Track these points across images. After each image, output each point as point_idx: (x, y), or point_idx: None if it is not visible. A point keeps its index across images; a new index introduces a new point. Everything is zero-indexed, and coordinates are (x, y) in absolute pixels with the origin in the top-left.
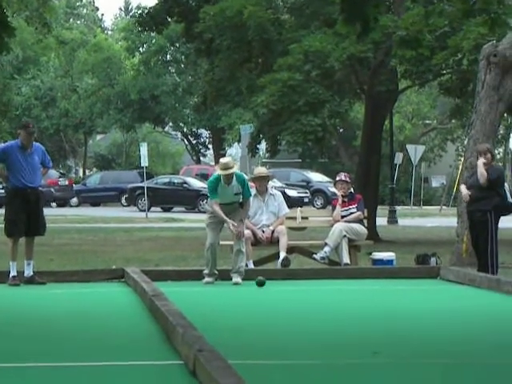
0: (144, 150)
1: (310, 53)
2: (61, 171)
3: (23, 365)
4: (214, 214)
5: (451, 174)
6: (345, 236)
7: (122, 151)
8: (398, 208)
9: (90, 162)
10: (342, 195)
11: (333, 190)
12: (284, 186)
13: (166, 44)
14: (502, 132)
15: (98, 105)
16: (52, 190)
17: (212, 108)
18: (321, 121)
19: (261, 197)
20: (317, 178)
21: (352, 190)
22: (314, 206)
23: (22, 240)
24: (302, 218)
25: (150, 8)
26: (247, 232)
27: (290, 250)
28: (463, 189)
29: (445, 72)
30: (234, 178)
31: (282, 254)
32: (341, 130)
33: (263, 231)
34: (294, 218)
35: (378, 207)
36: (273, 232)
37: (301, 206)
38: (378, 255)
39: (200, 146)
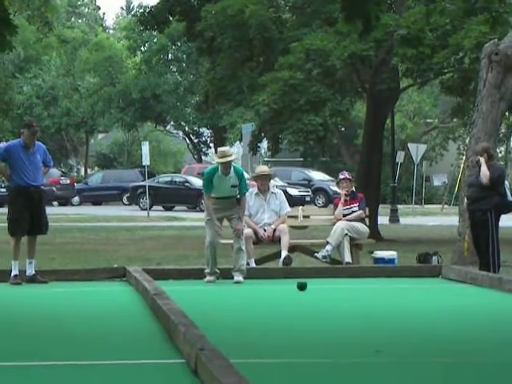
0: (145, 148)
1: (311, 51)
2: (62, 170)
3: (25, 363)
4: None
5: (453, 172)
6: (346, 235)
7: (124, 150)
8: (400, 207)
9: (91, 160)
10: (344, 194)
11: (334, 188)
12: (285, 184)
13: (167, 43)
14: (503, 131)
15: (99, 104)
16: (54, 188)
17: (213, 107)
18: (322, 120)
19: (262, 195)
20: (318, 176)
21: (354, 188)
22: (316, 205)
23: (23, 239)
24: (304, 216)
25: (152, 7)
26: (249, 231)
27: (292, 248)
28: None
29: (446, 70)
30: (232, 169)
31: (284, 253)
32: (342, 129)
33: (265, 230)
34: (296, 217)
35: (380, 206)
36: (274, 231)
37: (302, 205)
38: (379, 254)
39: (201, 145)
